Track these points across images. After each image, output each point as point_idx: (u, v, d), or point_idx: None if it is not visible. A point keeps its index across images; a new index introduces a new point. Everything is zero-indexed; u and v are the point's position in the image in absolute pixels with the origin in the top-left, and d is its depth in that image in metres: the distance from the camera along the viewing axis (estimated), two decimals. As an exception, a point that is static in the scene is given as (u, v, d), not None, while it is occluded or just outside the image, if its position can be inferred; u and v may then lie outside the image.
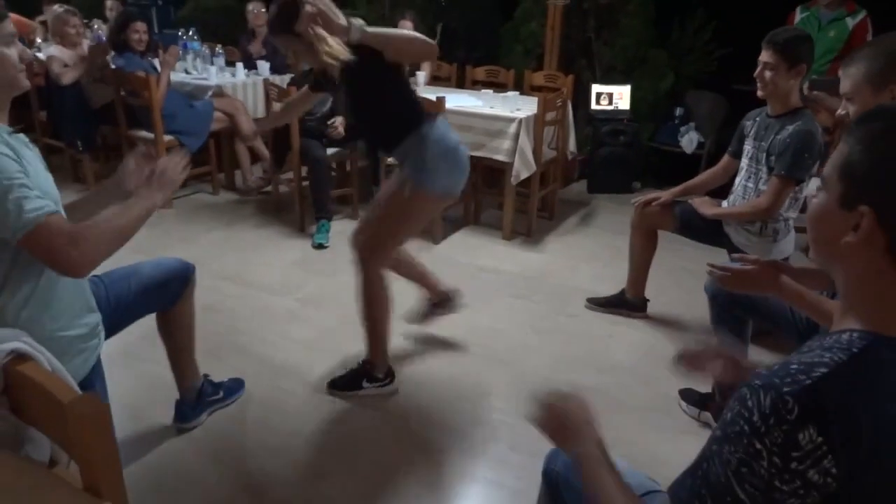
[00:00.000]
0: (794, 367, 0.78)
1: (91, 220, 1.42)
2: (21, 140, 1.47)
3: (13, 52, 1.42)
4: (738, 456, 0.77)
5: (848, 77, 1.84)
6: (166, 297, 2.00)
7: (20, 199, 1.30)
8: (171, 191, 1.58)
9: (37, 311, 1.45)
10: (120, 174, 1.73)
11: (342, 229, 4.00)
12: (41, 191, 1.39)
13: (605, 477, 1.00)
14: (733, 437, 0.78)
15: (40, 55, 4.44)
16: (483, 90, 4.67)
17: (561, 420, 1.12)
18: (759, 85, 2.44)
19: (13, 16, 1.61)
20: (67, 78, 4.16)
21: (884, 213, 0.78)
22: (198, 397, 2.21)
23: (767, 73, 2.38)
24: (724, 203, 2.74)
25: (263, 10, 5.35)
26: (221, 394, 2.31)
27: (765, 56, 2.38)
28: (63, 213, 1.42)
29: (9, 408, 0.98)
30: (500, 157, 3.68)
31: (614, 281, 3.18)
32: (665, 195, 2.83)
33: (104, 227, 1.41)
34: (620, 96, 4.85)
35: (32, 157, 1.48)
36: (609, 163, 4.83)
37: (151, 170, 1.61)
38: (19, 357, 0.98)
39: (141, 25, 4.18)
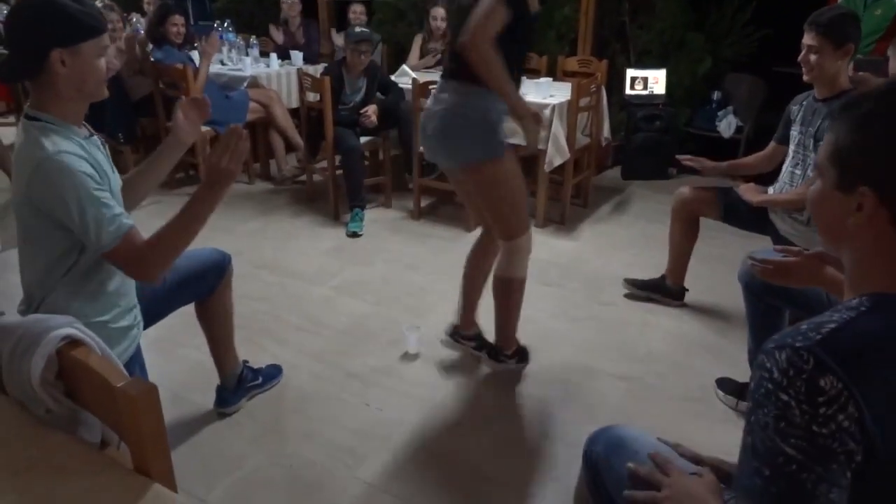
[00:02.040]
0: (805, 327, 0.82)
1: (162, 230, 1.50)
2: (94, 143, 1.56)
3: (103, 63, 1.50)
4: (772, 414, 0.79)
5: None
6: (203, 287, 2.05)
7: (101, 216, 1.41)
8: (231, 182, 1.53)
9: (86, 302, 1.54)
10: (174, 130, 1.80)
11: (375, 217, 4.04)
12: (114, 197, 1.48)
13: None
14: (762, 399, 0.80)
15: (111, 52, 4.55)
16: (516, 77, 4.63)
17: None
18: (804, 69, 2.34)
19: None
20: (108, 72, 4.26)
21: (883, 189, 0.81)
22: (238, 383, 2.26)
23: (812, 57, 2.28)
24: (770, 190, 2.65)
25: None
26: (260, 379, 2.36)
27: (808, 39, 2.28)
28: (132, 222, 1.49)
29: (63, 391, 1.02)
30: (533, 144, 3.65)
31: (649, 268, 3.14)
32: (710, 165, 2.77)
33: (172, 237, 1.50)
34: (656, 81, 4.77)
35: (103, 159, 1.58)
36: (644, 149, 4.76)
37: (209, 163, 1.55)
38: (72, 343, 1.01)
39: (179, 18, 4.26)
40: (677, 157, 2.87)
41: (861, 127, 0.83)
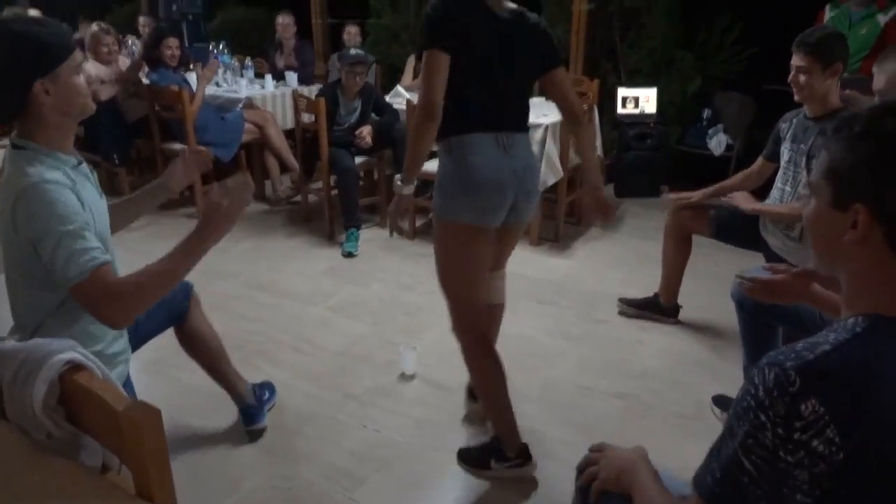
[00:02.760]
0: (800, 346, 0.83)
1: (138, 273, 1.40)
2: (82, 171, 1.53)
3: (83, 79, 1.47)
4: (744, 429, 0.82)
5: (883, 74, 1.81)
6: (174, 311, 2.02)
7: (73, 248, 1.35)
8: (227, 230, 1.46)
9: (80, 332, 1.51)
10: (167, 175, 1.79)
11: (370, 237, 4.06)
12: (96, 229, 1.44)
13: (652, 490, 1.08)
14: (741, 412, 0.83)
15: (89, 68, 4.57)
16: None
17: (615, 470, 1.16)
18: (794, 90, 2.37)
19: None
20: (104, 94, 4.29)
21: (877, 207, 0.84)
22: (258, 399, 2.25)
23: (802, 77, 2.30)
24: None
25: (291, 21, 5.46)
26: (267, 393, 2.36)
27: (797, 60, 2.31)
28: (112, 259, 1.43)
29: (64, 416, 1.02)
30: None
31: (643, 286, 3.17)
32: (697, 194, 2.80)
33: (152, 281, 1.40)
34: (647, 99, 4.82)
35: (91, 188, 1.55)
36: (636, 167, 4.80)
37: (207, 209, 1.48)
38: (74, 367, 1.02)
39: (173, 41, 4.30)
40: (664, 196, 2.88)
41: (854, 147, 0.85)
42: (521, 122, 1.94)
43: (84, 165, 1.56)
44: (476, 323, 2.01)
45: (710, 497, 0.86)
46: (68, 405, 1.02)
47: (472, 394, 2.40)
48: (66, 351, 1.02)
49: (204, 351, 2.12)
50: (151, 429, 0.91)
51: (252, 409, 2.23)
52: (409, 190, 1.92)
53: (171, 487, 0.96)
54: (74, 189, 1.43)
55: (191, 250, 1.42)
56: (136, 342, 1.86)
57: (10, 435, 1.05)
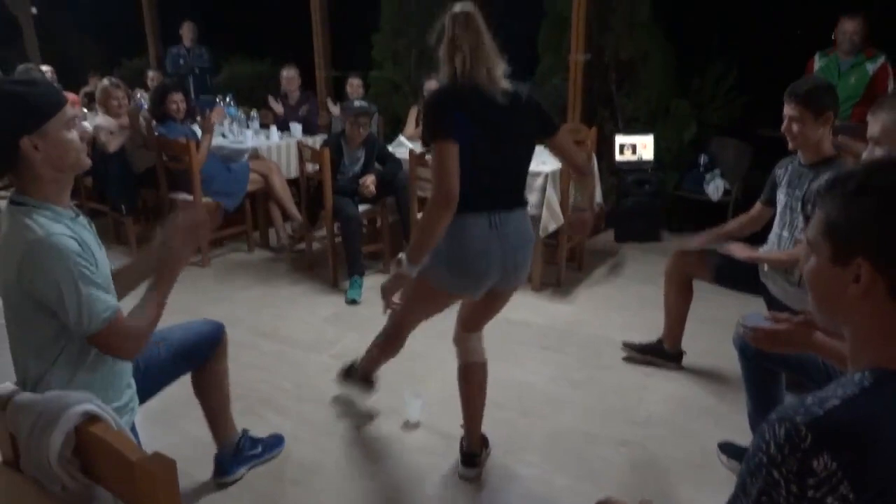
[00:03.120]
0: (809, 400, 0.84)
1: (139, 314, 1.57)
2: (81, 223, 1.57)
3: (75, 134, 1.51)
4: (758, 486, 0.81)
5: (877, 122, 1.86)
6: (197, 359, 2.06)
7: (92, 299, 1.44)
8: (180, 266, 1.64)
9: (84, 383, 1.53)
10: (161, 237, 1.80)
11: (374, 284, 4.07)
12: (102, 277, 1.51)
13: None
14: (754, 468, 0.83)
15: (86, 124, 4.69)
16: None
17: None
18: (788, 139, 2.44)
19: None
20: (113, 146, 4.38)
21: (878, 260, 0.85)
22: (236, 451, 2.25)
23: (795, 127, 2.38)
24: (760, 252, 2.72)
25: (295, 74, 5.62)
26: (260, 449, 2.35)
27: (788, 110, 2.39)
28: (118, 304, 1.55)
29: (78, 468, 1.04)
30: (529, 211, 3.75)
31: (645, 330, 3.18)
32: (697, 240, 2.84)
33: (147, 325, 1.57)
34: (644, 146, 4.92)
35: (91, 238, 1.58)
36: (635, 212, 4.87)
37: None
38: (90, 419, 1.04)
39: (178, 96, 4.42)
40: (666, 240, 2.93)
41: (851, 202, 0.87)
42: (516, 199, 2.04)
43: (82, 217, 1.60)
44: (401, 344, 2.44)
45: None
46: (83, 456, 1.04)
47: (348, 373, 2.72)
48: (83, 403, 1.04)
49: (212, 394, 2.15)
50: (166, 480, 0.93)
51: (225, 461, 2.23)
52: (413, 272, 1.91)
53: (184, 539, 0.97)
54: (78, 239, 1.47)
55: (161, 292, 1.60)
56: (152, 387, 1.90)
57: (24, 485, 1.07)
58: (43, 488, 1.05)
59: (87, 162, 1.57)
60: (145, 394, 1.84)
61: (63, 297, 1.40)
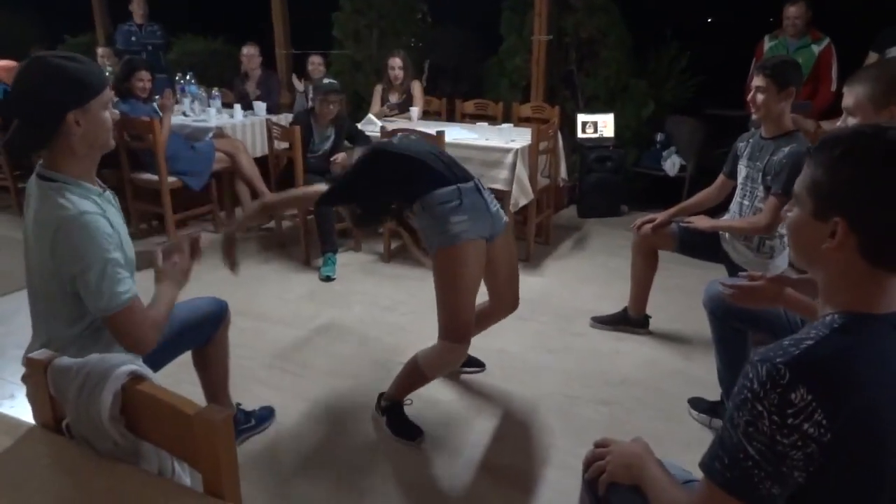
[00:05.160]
0: (787, 342, 0.95)
1: (152, 309, 1.62)
2: (107, 198, 1.60)
3: (108, 115, 1.55)
4: (744, 418, 0.93)
5: (851, 94, 2.02)
6: (201, 336, 2.10)
7: (109, 280, 1.46)
8: (185, 282, 1.77)
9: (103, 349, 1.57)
10: (154, 255, 1.78)
11: (347, 261, 4.12)
12: (125, 252, 1.54)
13: (663, 480, 1.20)
14: (739, 403, 0.94)
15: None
16: (474, 123, 4.86)
17: (623, 462, 1.29)
18: (752, 108, 2.62)
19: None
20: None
21: (853, 220, 0.96)
22: (233, 425, 2.28)
23: (759, 97, 2.56)
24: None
25: (256, 52, 5.54)
26: (253, 422, 2.39)
27: (756, 81, 2.57)
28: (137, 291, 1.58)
29: (125, 425, 1.08)
30: (499, 186, 3.85)
31: (613, 299, 3.33)
32: (661, 216, 2.99)
33: (159, 318, 1.62)
34: (605, 124, 5.08)
35: (116, 214, 1.62)
36: (597, 188, 5.03)
37: (172, 262, 1.75)
38: (135, 378, 1.08)
39: (145, 74, 4.32)
40: (633, 225, 3.04)
41: (835, 166, 0.98)
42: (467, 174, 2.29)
43: (108, 193, 1.63)
44: (469, 335, 2.23)
45: (722, 482, 0.96)
46: (128, 414, 1.08)
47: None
48: (127, 363, 1.08)
49: (212, 370, 2.18)
50: (225, 430, 0.98)
51: None
52: None
53: (239, 485, 1.02)
54: (105, 216, 1.50)
55: (167, 297, 1.66)
56: (159, 362, 1.90)
57: (70, 447, 1.10)
58: (88, 448, 1.08)
59: (113, 143, 1.62)
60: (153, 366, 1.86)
61: (88, 275, 1.44)
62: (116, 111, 1.63)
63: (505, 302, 2.54)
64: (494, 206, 2.32)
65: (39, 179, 1.52)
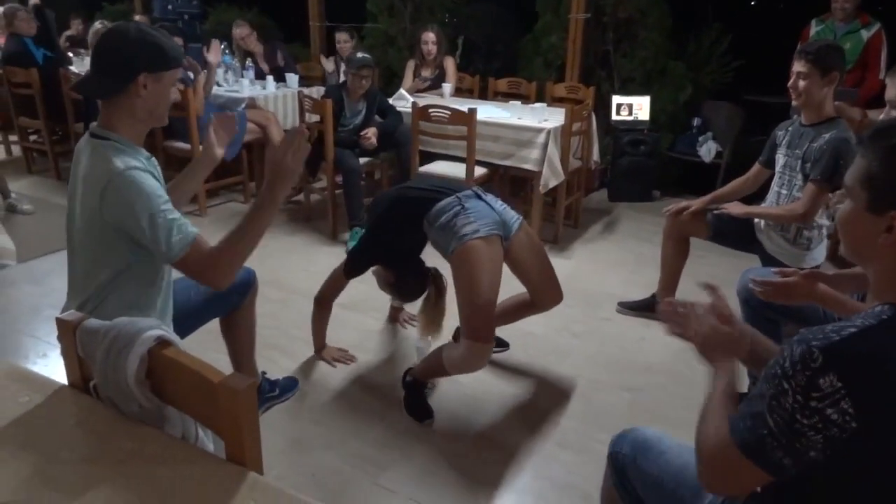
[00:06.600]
0: (829, 327, 0.93)
1: (228, 236, 1.56)
2: (153, 164, 1.65)
3: (173, 93, 1.64)
4: (770, 392, 0.93)
5: (894, 85, 1.93)
6: (228, 304, 2.12)
7: (170, 226, 1.50)
8: (292, 180, 1.55)
9: (143, 308, 1.62)
10: (207, 148, 1.90)
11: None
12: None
13: (722, 400, 1.13)
14: (770, 377, 0.94)
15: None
16: (507, 101, 4.80)
17: (718, 343, 1.29)
18: (793, 94, 2.52)
19: None
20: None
21: None
22: (256, 394, 2.31)
23: (801, 83, 2.46)
24: None
25: (248, 31, 5.51)
26: (277, 391, 2.42)
27: (798, 66, 2.46)
28: (197, 230, 1.58)
29: (150, 389, 1.09)
30: (529, 167, 3.80)
31: (641, 286, 3.28)
32: (696, 203, 2.91)
33: (239, 242, 1.55)
34: (640, 107, 4.97)
35: (158, 177, 1.66)
36: (629, 172, 4.95)
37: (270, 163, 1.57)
38: (161, 343, 1.08)
39: (178, 41, 4.31)
40: (665, 211, 2.98)
41: (891, 156, 0.93)
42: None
43: (153, 160, 1.67)
44: (491, 336, 2.25)
45: (739, 441, 0.97)
46: (154, 378, 1.09)
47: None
48: (154, 328, 1.08)
49: (239, 338, 2.21)
50: (249, 398, 0.98)
51: None
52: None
53: (261, 453, 1.03)
54: (153, 174, 1.57)
55: (266, 206, 1.54)
56: (183, 330, 1.92)
57: (98, 407, 1.11)
58: (114, 409, 1.10)
59: (167, 122, 1.67)
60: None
61: (144, 226, 1.48)
62: (178, 94, 1.68)
63: (548, 297, 2.52)
64: (501, 205, 2.39)
65: (92, 138, 1.58)
